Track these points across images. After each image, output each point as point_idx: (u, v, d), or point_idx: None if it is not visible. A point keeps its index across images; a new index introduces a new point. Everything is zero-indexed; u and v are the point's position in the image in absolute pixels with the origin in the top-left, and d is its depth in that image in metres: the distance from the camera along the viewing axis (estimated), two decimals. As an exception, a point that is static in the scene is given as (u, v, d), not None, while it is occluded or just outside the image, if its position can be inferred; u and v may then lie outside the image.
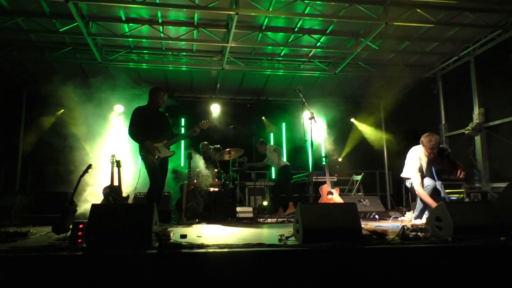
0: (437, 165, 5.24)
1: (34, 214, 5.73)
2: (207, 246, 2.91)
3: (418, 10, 6.64)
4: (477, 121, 7.79)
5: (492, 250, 2.99)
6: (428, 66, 9.33)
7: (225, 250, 2.78)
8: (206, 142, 8.22)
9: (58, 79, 8.95)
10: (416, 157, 5.19)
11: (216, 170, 7.15)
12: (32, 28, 7.25)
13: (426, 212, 5.14)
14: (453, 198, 7.04)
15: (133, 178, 7.59)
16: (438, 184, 5.20)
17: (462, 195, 6.95)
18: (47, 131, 9.50)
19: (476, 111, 7.91)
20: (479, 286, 2.86)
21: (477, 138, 7.88)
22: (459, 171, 5.08)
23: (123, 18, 7.06)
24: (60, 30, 7.06)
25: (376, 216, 6.52)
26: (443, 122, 9.15)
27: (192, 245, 2.91)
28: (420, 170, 5.15)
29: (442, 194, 5.18)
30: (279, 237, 3.33)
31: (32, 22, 7.07)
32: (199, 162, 7.27)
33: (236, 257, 2.73)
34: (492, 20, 7.09)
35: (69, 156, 7.75)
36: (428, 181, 5.17)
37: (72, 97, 8.67)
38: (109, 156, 5.79)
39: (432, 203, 4.76)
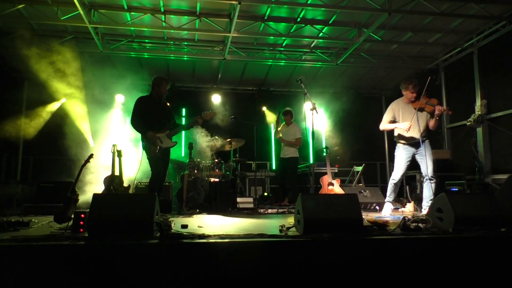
0: (419, 106, 5.34)
1: (36, 203, 5.75)
2: (208, 236, 2.92)
3: (422, 1, 6.58)
4: (479, 112, 7.77)
5: (493, 241, 2.99)
6: (431, 58, 9.27)
7: (226, 240, 2.79)
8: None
9: (59, 68, 8.92)
10: (390, 109, 5.60)
11: (216, 160, 7.16)
12: (33, 15, 7.20)
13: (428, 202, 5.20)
14: (454, 189, 7.05)
15: (134, 168, 7.61)
16: (423, 144, 5.36)
17: (463, 187, 6.95)
18: (49, 120, 9.50)
19: (478, 102, 7.88)
20: (480, 277, 2.87)
21: (479, 130, 7.86)
22: (436, 108, 5.19)
23: (125, 7, 7.01)
24: (62, 18, 7.00)
25: (377, 207, 6.53)
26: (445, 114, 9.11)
27: (194, 235, 2.92)
28: (393, 121, 5.56)
29: (420, 159, 5.38)
30: (280, 227, 3.33)
31: (33, 10, 7.02)
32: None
33: (238, 248, 2.74)
34: (497, 11, 7.02)
35: (70, 145, 7.76)
36: (395, 174, 5.50)
37: (74, 86, 8.65)
38: (110, 145, 5.79)
39: (394, 126, 5.47)
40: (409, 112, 5.44)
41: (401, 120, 5.48)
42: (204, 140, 7.62)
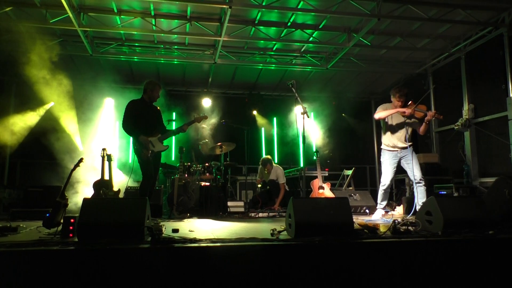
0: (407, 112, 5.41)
1: (24, 208, 5.66)
2: (200, 240, 2.91)
3: (411, 6, 6.68)
4: (467, 117, 7.88)
5: (481, 244, 3.03)
6: (419, 62, 9.39)
7: (218, 244, 2.78)
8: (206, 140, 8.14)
9: (48, 71, 8.81)
10: (381, 107, 5.63)
11: (207, 164, 7.14)
12: (21, 18, 7.11)
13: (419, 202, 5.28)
14: (443, 192, 7.12)
15: (124, 172, 7.56)
16: (409, 149, 5.43)
17: (451, 190, 7.03)
18: (36, 123, 9.38)
19: (465, 107, 7.99)
20: (469, 278, 2.90)
21: (467, 134, 7.97)
22: (428, 113, 5.25)
23: (115, 10, 6.98)
24: (51, 21, 6.94)
25: (367, 211, 6.57)
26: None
27: (185, 240, 2.91)
28: (385, 121, 5.61)
29: (407, 164, 5.43)
30: (271, 231, 3.33)
31: (21, 13, 6.95)
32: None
33: (229, 252, 2.73)
34: (483, 17, 7.16)
35: (59, 149, 7.68)
36: (384, 179, 5.55)
37: (62, 90, 8.56)
38: (100, 150, 5.75)
39: (395, 111, 5.42)
40: (396, 117, 5.55)
41: (388, 125, 5.59)
42: (207, 149, 7.59)
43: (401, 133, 5.47)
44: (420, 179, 5.33)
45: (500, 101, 7.11)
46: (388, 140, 5.56)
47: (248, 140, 8.16)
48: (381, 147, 5.71)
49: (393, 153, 5.54)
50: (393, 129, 5.53)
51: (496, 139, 7.19)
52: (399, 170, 5.70)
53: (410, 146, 5.43)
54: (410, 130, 5.51)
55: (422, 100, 5.48)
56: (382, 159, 5.69)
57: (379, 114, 5.57)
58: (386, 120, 5.60)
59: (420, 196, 5.28)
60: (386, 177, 5.57)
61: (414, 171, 5.35)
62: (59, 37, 7.96)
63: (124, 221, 2.96)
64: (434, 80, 9.37)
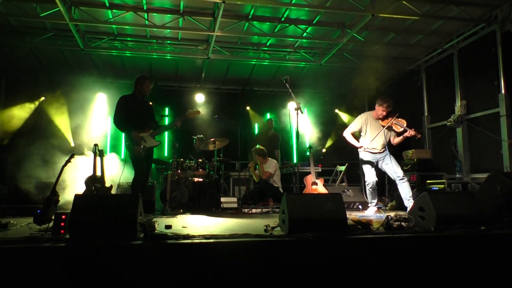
0: (387, 125, 5.59)
1: (14, 204, 5.60)
2: (193, 236, 2.89)
3: (404, 2, 6.67)
4: (459, 113, 7.92)
5: (473, 239, 3.06)
6: (412, 59, 9.40)
7: (211, 240, 2.77)
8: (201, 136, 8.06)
9: (38, 66, 8.71)
10: (358, 119, 5.82)
11: (200, 160, 7.10)
12: (11, 12, 6.99)
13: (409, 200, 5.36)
14: (435, 188, 7.17)
15: (116, 168, 7.50)
16: (386, 152, 5.65)
17: (443, 186, 7.08)
18: (27, 119, 9.28)
19: (458, 103, 8.03)
20: (461, 273, 2.92)
21: (459, 130, 8.01)
22: (408, 131, 5.41)
23: (107, 4, 6.87)
24: (41, 15, 6.83)
25: (360, 206, 6.59)
26: (426, 114, 9.26)
27: (178, 236, 2.89)
28: (360, 132, 5.83)
29: (386, 164, 5.62)
30: (265, 227, 3.32)
31: (11, 6, 6.82)
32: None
33: (223, 248, 2.72)
34: (476, 13, 7.17)
35: (50, 145, 7.59)
36: (368, 177, 5.67)
37: (53, 85, 8.47)
38: (92, 145, 5.69)
39: (356, 144, 5.75)
40: (375, 127, 5.70)
41: (367, 132, 5.74)
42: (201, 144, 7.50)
43: (380, 140, 5.64)
44: (403, 175, 5.50)
45: (493, 98, 7.15)
46: (367, 143, 5.69)
47: (241, 136, 8.15)
48: (359, 149, 5.80)
49: (372, 155, 5.69)
50: (372, 136, 5.67)
51: (488, 135, 7.24)
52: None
53: (386, 150, 5.66)
54: (387, 139, 5.70)
55: (400, 116, 5.64)
56: (361, 159, 5.82)
57: (346, 134, 5.85)
58: (364, 130, 5.76)
59: (406, 191, 5.43)
60: (369, 176, 5.69)
61: (394, 169, 5.52)
62: (50, 31, 7.85)
63: (116, 218, 2.93)
64: (427, 76, 9.40)
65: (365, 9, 6.64)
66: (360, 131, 5.83)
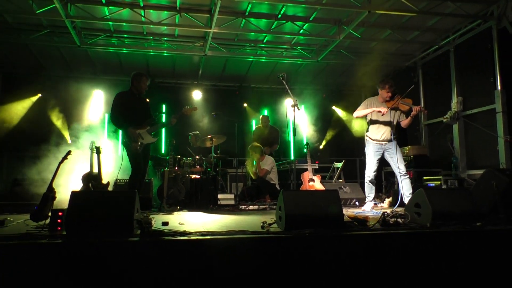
0: (393, 105, 5.55)
1: (11, 201, 5.59)
2: (190, 233, 2.90)
3: (401, -1, 6.68)
4: (455, 109, 7.95)
5: (469, 235, 3.08)
6: (409, 55, 9.42)
7: (208, 237, 2.78)
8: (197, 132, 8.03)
9: (35, 63, 8.66)
10: (365, 102, 5.80)
11: (197, 157, 7.10)
12: (6, 8, 6.95)
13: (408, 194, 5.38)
14: (431, 185, 7.20)
15: (112, 164, 7.49)
16: (393, 143, 5.55)
17: (439, 182, 7.11)
18: (24, 115, 9.25)
19: (454, 99, 8.06)
20: (457, 269, 2.94)
21: (455, 126, 8.04)
22: (414, 108, 5.37)
23: (103, 1, 6.84)
24: (37, 11, 6.79)
25: (357, 203, 6.61)
26: (423, 111, 9.29)
27: (175, 233, 2.90)
28: (368, 117, 5.75)
29: (391, 157, 5.55)
30: (262, 224, 3.34)
31: (6, 2, 6.78)
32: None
33: (220, 245, 2.73)
34: (473, 10, 7.18)
35: (46, 142, 7.57)
36: (368, 170, 5.67)
37: (50, 82, 8.43)
38: (89, 142, 5.68)
39: (371, 110, 5.61)
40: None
41: (373, 116, 5.69)
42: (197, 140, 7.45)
43: (386, 126, 5.58)
44: (406, 172, 5.51)
45: (489, 94, 7.17)
46: (373, 132, 5.66)
47: (238, 133, 8.15)
48: (366, 138, 5.79)
49: (378, 145, 5.63)
50: (379, 122, 5.63)
51: (484, 132, 7.27)
52: (387, 163, 5.76)
53: (394, 139, 5.53)
54: (395, 122, 5.61)
55: (408, 94, 5.54)
56: (366, 150, 5.78)
57: (358, 113, 5.75)
58: (370, 113, 5.67)
59: (406, 188, 5.44)
60: (370, 169, 5.68)
61: (398, 165, 5.48)
62: (46, 28, 7.81)
63: (113, 214, 2.94)
64: (423, 73, 9.41)
65: (361, 5, 6.64)
66: (366, 118, 5.79)
